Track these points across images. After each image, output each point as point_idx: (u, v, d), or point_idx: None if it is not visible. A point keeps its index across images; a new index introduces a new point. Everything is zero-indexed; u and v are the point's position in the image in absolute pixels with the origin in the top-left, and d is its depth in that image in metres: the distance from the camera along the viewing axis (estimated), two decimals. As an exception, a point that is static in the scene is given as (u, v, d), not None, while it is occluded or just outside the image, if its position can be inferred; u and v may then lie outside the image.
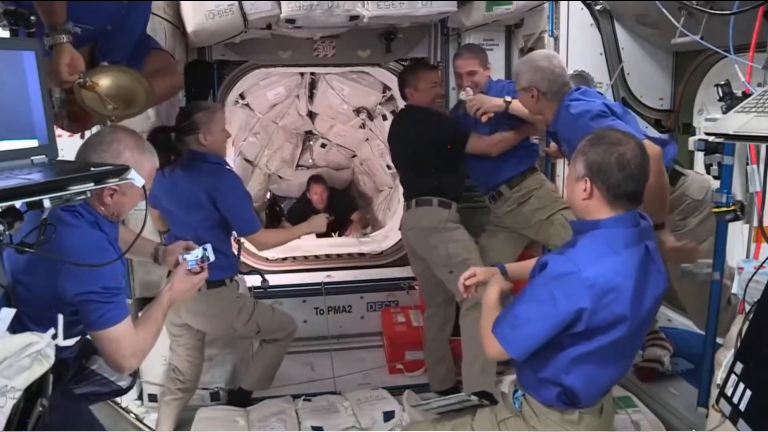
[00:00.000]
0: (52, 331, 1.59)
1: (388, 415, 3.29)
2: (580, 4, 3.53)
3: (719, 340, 2.65)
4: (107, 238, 1.93)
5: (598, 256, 1.80)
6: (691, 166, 3.69)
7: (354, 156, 6.89)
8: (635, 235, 1.87)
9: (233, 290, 3.24)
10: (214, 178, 3.03)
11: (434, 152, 3.42)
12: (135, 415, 3.45)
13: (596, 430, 2.01)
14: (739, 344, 1.70)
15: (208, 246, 2.25)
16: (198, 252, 2.23)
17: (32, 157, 1.53)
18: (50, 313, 1.80)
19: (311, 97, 6.27)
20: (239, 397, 3.52)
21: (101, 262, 1.79)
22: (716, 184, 2.65)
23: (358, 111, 6.28)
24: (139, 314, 3.34)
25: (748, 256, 2.99)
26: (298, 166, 7.07)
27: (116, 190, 1.95)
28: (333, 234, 5.93)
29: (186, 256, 2.22)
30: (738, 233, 3.06)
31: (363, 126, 6.48)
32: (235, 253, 3.34)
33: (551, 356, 1.89)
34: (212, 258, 2.24)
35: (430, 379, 3.79)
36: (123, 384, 2.31)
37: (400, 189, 5.63)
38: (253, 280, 3.42)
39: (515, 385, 2.11)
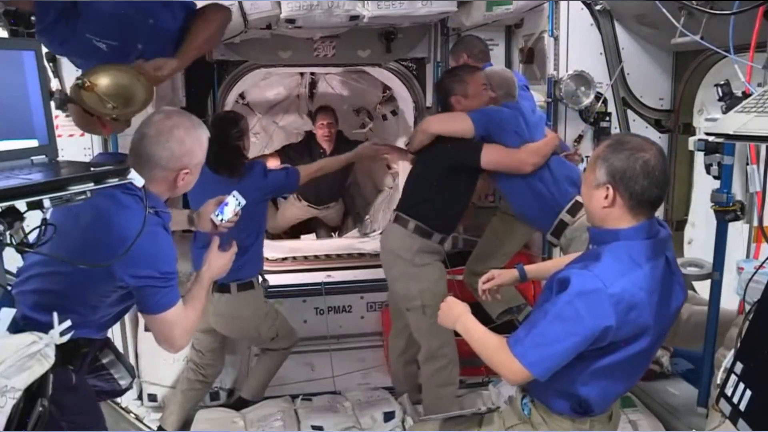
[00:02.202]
0: (55, 330, 1.60)
1: (389, 416, 3.30)
2: (580, 4, 3.53)
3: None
4: (162, 222, 1.94)
5: (623, 271, 1.74)
6: (691, 166, 3.71)
7: (354, 156, 6.89)
8: (656, 247, 1.82)
9: (261, 292, 3.29)
10: (251, 179, 3.09)
11: (446, 169, 3.05)
12: (135, 415, 3.45)
13: None
14: (739, 344, 1.70)
15: (235, 193, 2.32)
16: (231, 203, 2.30)
17: (32, 157, 1.53)
18: (100, 296, 1.86)
19: (311, 97, 6.26)
20: (237, 405, 3.52)
21: (156, 246, 1.84)
22: (716, 184, 2.65)
23: (358, 111, 6.28)
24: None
25: (748, 256, 3.00)
26: (298, 166, 7.08)
27: (190, 171, 1.97)
28: (333, 234, 5.91)
29: (220, 212, 2.29)
30: (738, 233, 3.07)
31: (363, 126, 6.47)
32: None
33: (569, 368, 1.81)
34: (243, 202, 2.32)
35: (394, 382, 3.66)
36: (123, 384, 2.31)
37: (400, 189, 5.67)
38: (253, 281, 3.43)
39: (523, 390, 2.05)
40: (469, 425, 2.16)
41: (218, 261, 2.14)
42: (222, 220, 2.32)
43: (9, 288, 1.73)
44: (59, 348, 1.85)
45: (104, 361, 2.22)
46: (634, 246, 1.78)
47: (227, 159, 3.03)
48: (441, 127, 3.05)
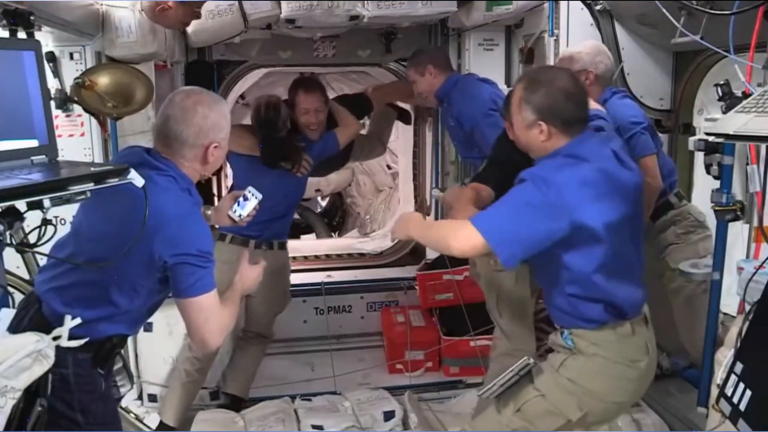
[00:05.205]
0: (64, 328, 1.60)
1: (388, 415, 3.30)
2: (580, 4, 3.53)
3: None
4: (197, 203, 1.95)
5: (570, 164, 1.91)
6: (691, 166, 3.70)
7: (354, 156, 6.89)
8: (599, 143, 2.00)
9: None
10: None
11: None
12: (135, 415, 3.45)
13: (649, 340, 2.07)
14: (739, 344, 1.70)
15: (251, 188, 2.36)
16: (250, 200, 2.34)
17: (32, 157, 1.53)
18: (140, 281, 1.87)
19: (311, 97, 6.25)
20: (233, 405, 3.51)
21: (195, 226, 1.85)
22: (716, 184, 2.65)
23: (358, 111, 6.27)
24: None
25: (748, 256, 3.00)
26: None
27: (218, 145, 1.95)
28: (333, 234, 5.92)
29: (239, 208, 2.33)
30: (738, 233, 3.07)
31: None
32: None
33: (565, 270, 1.94)
34: (260, 197, 2.36)
35: None
36: (123, 391, 2.31)
37: (400, 189, 5.67)
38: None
39: (559, 329, 2.11)
40: (525, 390, 2.14)
41: (251, 274, 2.15)
42: (240, 216, 2.34)
43: (9, 288, 1.74)
44: (93, 349, 1.85)
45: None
46: (573, 149, 1.96)
47: (284, 153, 3.28)
48: None
